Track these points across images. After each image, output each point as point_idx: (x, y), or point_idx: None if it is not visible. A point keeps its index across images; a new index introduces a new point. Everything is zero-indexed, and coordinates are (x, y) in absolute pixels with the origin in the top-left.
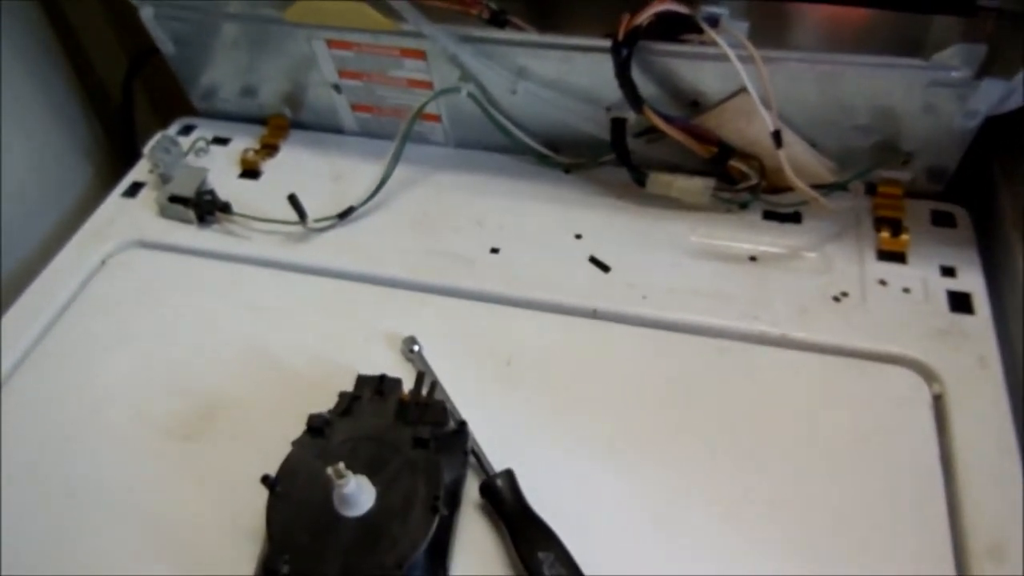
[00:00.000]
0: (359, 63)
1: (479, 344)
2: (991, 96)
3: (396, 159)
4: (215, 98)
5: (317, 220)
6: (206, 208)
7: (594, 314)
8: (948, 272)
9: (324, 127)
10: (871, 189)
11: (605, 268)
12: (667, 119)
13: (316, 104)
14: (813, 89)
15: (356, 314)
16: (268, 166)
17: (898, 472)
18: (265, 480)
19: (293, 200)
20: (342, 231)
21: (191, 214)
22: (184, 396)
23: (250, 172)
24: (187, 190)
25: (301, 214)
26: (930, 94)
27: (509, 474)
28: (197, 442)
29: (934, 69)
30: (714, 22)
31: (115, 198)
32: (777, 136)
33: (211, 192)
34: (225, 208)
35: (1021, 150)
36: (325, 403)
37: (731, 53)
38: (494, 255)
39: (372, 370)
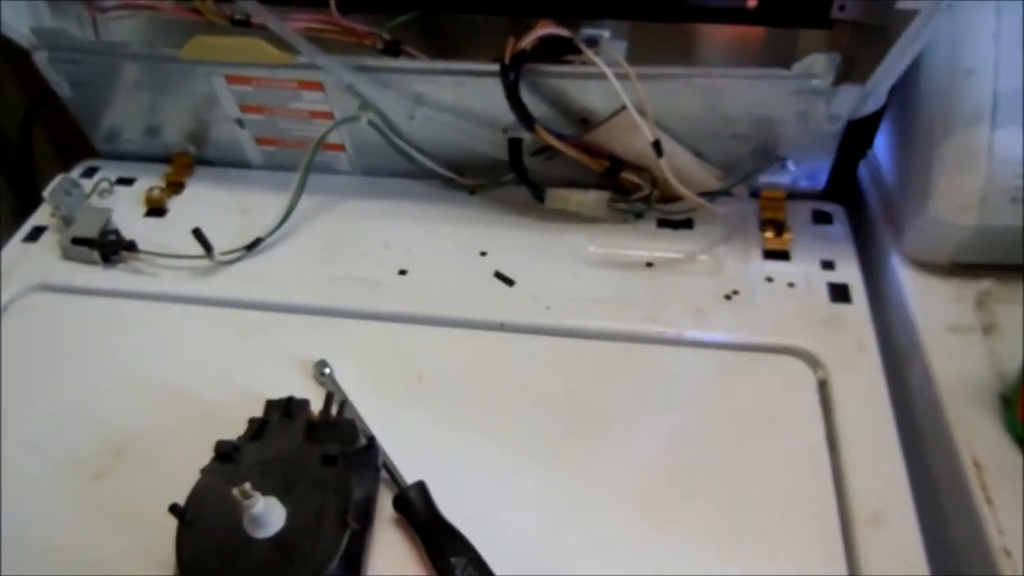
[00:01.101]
0: (259, 97)
1: (390, 363)
2: (849, 101)
3: (301, 189)
4: (118, 139)
5: (224, 253)
6: (110, 248)
7: (501, 327)
8: (828, 266)
9: (230, 162)
10: (756, 193)
11: (510, 282)
12: (559, 137)
13: (220, 140)
14: (692, 102)
15: (267, 343)
16: (174, 203)
17: (789, 452)
18: (173, 509)
19: (198, 234)
20: (250, 262)
21: (95, 255)
22: (93, 435)
23: (156, 210)
24: (90, 231)
25: (207, 247)
26: (797, 101)
27: (421, 486)
28: (108, 479)
29: (796, 78)
30: (593, 43)
31: (16, 243)
32: (657, 147)
33: (115, 232)
34: (130, 247)
35: (882, 150)
36: (237, 432)
37: (609, 72)
38: (402, 276)
39: (285, 396)
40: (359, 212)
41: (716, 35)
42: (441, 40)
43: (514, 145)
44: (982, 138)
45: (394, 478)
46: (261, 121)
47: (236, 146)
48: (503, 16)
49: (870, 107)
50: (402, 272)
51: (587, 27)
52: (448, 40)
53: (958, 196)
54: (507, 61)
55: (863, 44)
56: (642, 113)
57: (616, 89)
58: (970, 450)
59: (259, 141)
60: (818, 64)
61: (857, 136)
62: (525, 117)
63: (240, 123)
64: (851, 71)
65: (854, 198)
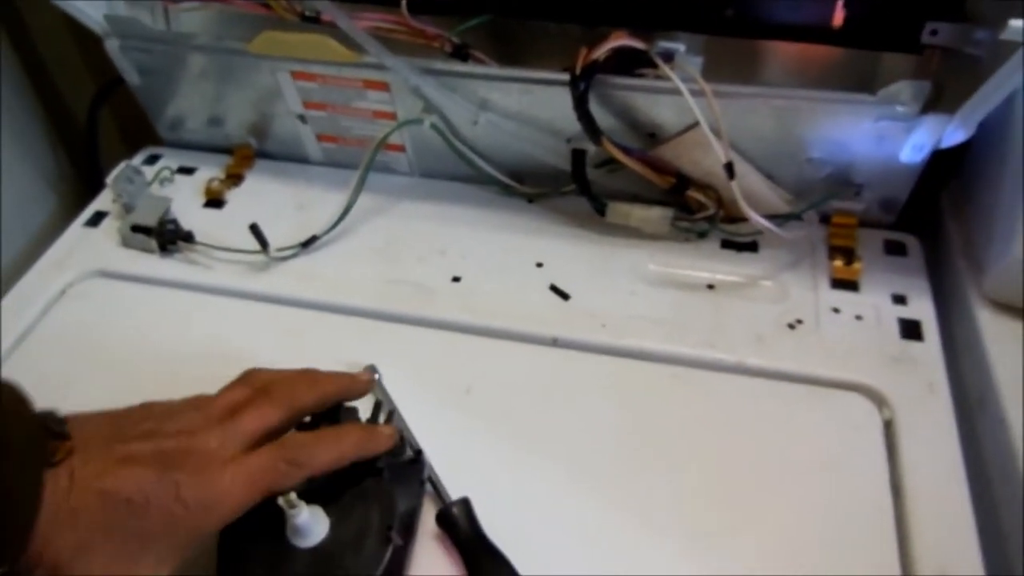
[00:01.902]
0: (323, 94)
1: (439, 372)
2: (936, 131)
3: (360, 188)
4: (181, 128)
5: (280, 249)
6: (168, 237)
7: (554, 342)
8: (899, 300)
9: (290, 156)
10: (826, 218)
11: (565, 296)
12: (625, 150)
13: (282, 134)
14: (767, 122)
15: (317, 343)
16: (233, 195)
17: (849, 496)
18: None
19: (255, 229)
20: (305, 260)
21: (153, 243)
22: None
23: (214, 202)
24: (150, 220)
25: (263, 243)
26: (878, 128)
27: (465, 503)
28: None
29: (881, 104)
30: (669, 57)
31: (77, 227)
32: (729, 168)
33: (174, 221)
34: (188, 237)
35: (967, 181)
36: None
37: (683, 88)
38: (456, 284)
39: None
40: (416, 215)
41: (793, 53)
42: (510, 45)
43: (578, 156)
44: None
45: (438, 493)
46: (324, 118)
47: (297, 141)
48: (575, 24)
49: (958, 138)
50: (456, 279)
51: (662, 40)
52: (517, 45)
53: None
54: (578, 72)
55: (953, 71)
56: (716, 132)
57: (690, 106)
58: None
59: (320, 137)
60: (904, 92)
61: (940, 165)
62: (592, 129)
63: (302, 119)
64: (938, 99)
65: (931, 228)
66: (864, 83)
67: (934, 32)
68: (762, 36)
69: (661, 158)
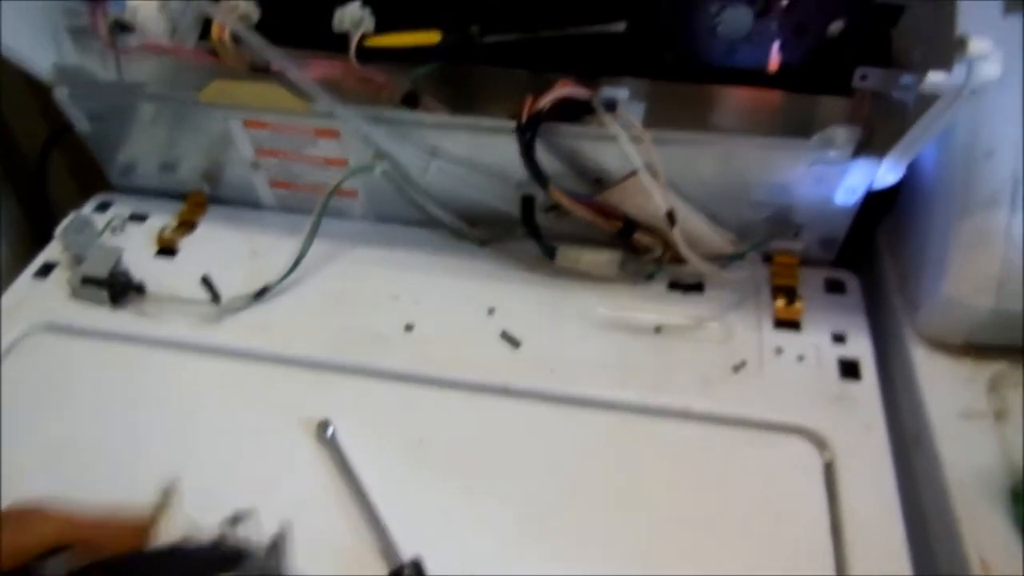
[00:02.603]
0: (275, 142)
1: (392, 424)
2: (867, 174)
3: (312, 236)
4: (133, 174)
5: (231, 300)
6: (120, 289)
7: (505, 391)
8: (839, 339)
9: (243, 202)
10: (769, 258)
11: (516, 344)
12: (573, 196)
13: (234, 180)
14: (709, 167)
15: (270, 397)
16: (185, 243)
17: (791, 537)
18: None
19: (206, 282)
20: (257, 310)
21: (104, 295)
22: (92, 487)
23: (167, 250)
24: (101, 271)
25: (214, 295)
26: (814, 171)
27: (416, 565)
28: None
29: (815, 148)
30: (612, 106)
31: (26, 279)
32: (670, 216)
33: (125, 272)
34: (139, 289)
35: (901, 219)
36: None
37: (623, 137)
38: (408, 332)
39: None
40: (369, 260)
41: (736, 96)
42: (460, 89)
43: (527, 202)
44: (1000, 221)
45: (390, 554)
46: (276, 165)
47: (249, 187)
48: (522, 70)
49: (889, 180)
50: (408, 327)
51: (607, 86)
52: (467, 89)
53: (974, 278)
54: (524, 121)
55: (884, 115)
56: (655, 177)
57: (630, 154)
58: (977, 547)
59: (273, 184)
60: (838, 136)
61: (875, 203)
62: (540, 177)
63: (255, 166)
64: (870, 142)
65: (869, 263)
66: (804, 127)
67: (863, 77)
68: (700, 80)
69: (607, 203)
